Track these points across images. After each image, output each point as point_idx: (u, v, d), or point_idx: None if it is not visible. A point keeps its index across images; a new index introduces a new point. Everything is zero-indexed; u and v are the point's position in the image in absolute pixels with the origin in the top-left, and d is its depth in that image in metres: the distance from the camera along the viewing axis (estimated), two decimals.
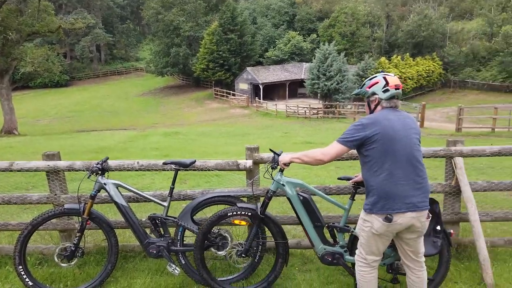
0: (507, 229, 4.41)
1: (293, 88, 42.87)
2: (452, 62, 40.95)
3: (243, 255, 3.16)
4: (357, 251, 2.83)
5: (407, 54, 40.61)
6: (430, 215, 2.68)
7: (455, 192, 3.70)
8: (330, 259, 3.11)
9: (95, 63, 66.59)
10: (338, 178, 3.35)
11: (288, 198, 3.09)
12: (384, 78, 2.68)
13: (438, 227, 2.96)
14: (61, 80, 57.83)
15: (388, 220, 2.51)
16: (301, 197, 3.07)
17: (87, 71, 65.27)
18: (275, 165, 3.03)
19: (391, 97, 2.66)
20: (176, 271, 3.19)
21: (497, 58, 37.27)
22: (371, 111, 2.75)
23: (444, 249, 3.06)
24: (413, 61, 39.66)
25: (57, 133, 24.83)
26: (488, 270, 3.23)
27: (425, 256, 2.82)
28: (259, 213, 3.09)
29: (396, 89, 2.65)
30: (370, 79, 2.76)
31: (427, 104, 22.83)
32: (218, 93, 43.62)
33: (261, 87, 39.76)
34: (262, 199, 3.62)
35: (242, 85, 42.66)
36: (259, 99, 38.29)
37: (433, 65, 39.97)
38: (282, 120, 29.12)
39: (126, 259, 3.75)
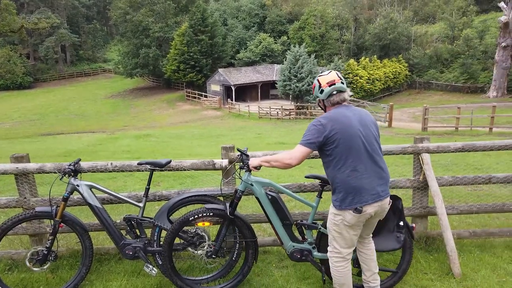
0: (472, 222, 4.64)
1: (265, 90, 43.12)
2: (417, 64, 42.47)
3: (213, 256, 3.17)
4: (329, 248, 2.92)
5: (375, 56, 41.78)
6: (391, 200, 2.86)
7: (423, 187, 3.87)
8: (298, 256, 3.18)
9: (60, 64, 64.35)
10: (306, 177, 3.38)
11: (257, 198, 3.12)
12: (317, 80, 2.85)
13: (401, 223, 3.11)
14: (24, 82, 55.55)
15: (358, 211, 2.65)
16: (270, 196, 3.11)
17: (52, 72, 63.00)
18: (244, 167, 3.05)
19: (330, 94, 2.77)
20: (153, 271, 3.17)
21: (459, 60, 39.00)
22: (325, 111, 2.88)
23: (407, 243, 3.19)
24: (381, 63, 40.83)
25: (21, 137, 23.84)
26: (455, 260, 3.40)
27: (389, 251, 3.11)
28: (228, 213, 3.09)
29: (330, 85, 2.76)
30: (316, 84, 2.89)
31: (394, 104, 23.55)
32: (190, 94, 43.22)
33: (233, 88, 39.75)
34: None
35: (214, 87, 42.48)
36: (232, 100, 38.25)
37: (399, 67, 41.30)
38: (255, 122, 29.23)
39: (100, 262, 3.68)
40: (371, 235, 3.03)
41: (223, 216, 3.10)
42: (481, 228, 4.28)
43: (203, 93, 41.88)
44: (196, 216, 3.05)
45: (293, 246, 3.17)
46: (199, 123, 30.37)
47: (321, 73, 2.90)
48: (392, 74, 40.19)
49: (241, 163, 3.07)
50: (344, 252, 2.83)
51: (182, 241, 3.32)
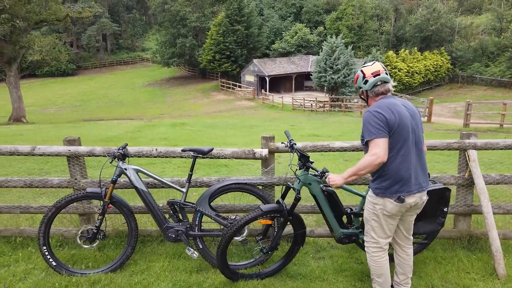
0: None
1: (300, 81, 42.75)
2: (460, 57, 40.63)
3: (269, 252, 3.30)
4: (366, 238, 2.92)
5: (415, 48, 40.32)
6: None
7: (468, 184, 3.75)
8: (347, 241, 3.31)
9: (101, 53, 66.62)
10: None
11: (313, 195, 3.18)
12: (361, 70, 2.81)
13: (445, 209, 3.25)
14: (67, 69, 58.05)
15: (401, 200, 2.66)
16: (326, 193, 3.16)
17: (93, 60, 65.37)
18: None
19: (375, 85, 2.74)
20: (194, 255, 3.28)
21: (506, 53, 36.92)
22: (367, 103, 2.87)
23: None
24: (421, 55, 39.38)
25: (64, 122, 24.99)
26: (501, 261, 3.29)
27: (431, 232, 3.27)
28: (287, 214, 3.15)
29: (375, 76, 2.73)
30: (356, 73, 2.89)
31: (434, 99, 22.70)
32: (224, 84, 43.59)
33: (267, 79, 39.68)
34: (277, 188, 3.70)
35: (249, 77, 42.59)
36: (265, 91, 38.23)
37: (441, 60, 39.67)
38: (288, 113, 29.11)
39: (143, 243, 3.85)
40: (411, 238, 3.00)
41: (282, 217, 3.19)
42: None
43: (237, 84, 42.11)
44: (252, 220, 3.12)
45: (343, 233, 3.28)
46: (233, 113, 30.62)
47: (364, 64, 2.88)
48: (433, 67, 38.69)
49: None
50: (382, 242, 2.83)
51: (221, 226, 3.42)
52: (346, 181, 2.74)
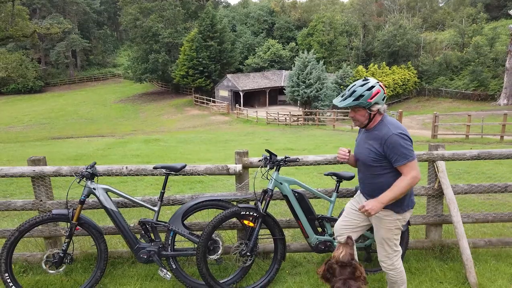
0: (486, 231, 4.58)
1: (273, 95, 43.22)
2: (426, 71, 42.28)
3: (248, 253, 3.24)
4: (390, 257, 2.85)
5: (384, 62, 41.69)
6: None
7: (438, 194, 3.84)
8: (323, 247, 3.40)
9: (71, 69, 65.21)
10: (325, 174, 3.68)
11: (285, 195, 3.32)
12: (381, 86, 2.69)
13: None
14: (35, 86, 56.36)
15: (414, 204, 2.90)
16: (296, 194, 3.35)
17: (63, 77, 63.88)
18: (274, 167, 3.27)
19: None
20: (167, 275, 3.17)
21: (469, 67, 38.74)
22: (370, 120, 2.73)
23: (407, 227, 3.58)
24: (389, 69, 40.72)
25: (32, 140, 24.11)
26: (472, 269, 3.35)
27: None
28: (261, 211, 3.22)
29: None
30: (368, 89, 2.63)
31: (403, 111, 23.43)
32: (198, 100, 43.46)
33: (241, 94, 39.88)
34: (251, 203, 3.67)
35: (223, 92, 42.68)
36: (240, 106, 38.37)
37: (408, 74, 41.14)
38: (263, 127, 29.26)
39: (114, 266, 3.70)
40: None
41: (258, 214, 3.22)
42: (497, 237, 4.22)
43: (211, 99, 42.09)
44: (244, 213, 3.21)
45: (317, 239, 3.38)
46: (207, 128, 30.48)
47: (366, 80, 2.69)
48: (401, 81, 40.05)
49: (271, 163, 3.26)
50: (400, 250, 2.93)
51: (194, 245, 3.33)
52: (384, 205, 2.64)
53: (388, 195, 2.61)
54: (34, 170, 3.48)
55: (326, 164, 3.68)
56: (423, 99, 41.08)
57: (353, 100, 2.65)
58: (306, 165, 3.67)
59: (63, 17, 59.13)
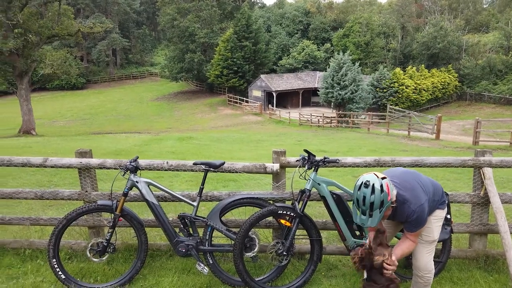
0: None
1: (307, 97, 42.92)
2: (468, 74, 40.59)
3: (284, 253, 3.24)
4: (431, 256, 2.88)
5: (422, 65, 40.40)
6: None
7: (483, 202, 3.68)
8: None
9: (110, 67, 67.65)
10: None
11: (323, 196, 3.30)
12: (376, 175, 2.52)
13: (448, 216, 3.19)
14: (77, 83, 58.92)
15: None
16: (334, 195, 3.30)
17: (103, 74, 66.35)
18: (312, 167, 3.29)
19: None
20: (205, 270, 3.23)
21: None
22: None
23: (450, 235, 3.40)
24: (428, 72, 39.41)
25: (73, 135, 25.20)
26: None
27: (439, 241, 3.12)
28: (299, 211, 3.22)
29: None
30: (381, 191, 2.44)
31: (442, 116, 22.59)
32: (232, 99, 43.87)
33: (274, 94, 39.88)
34: (287, 203, 3.66)
35: (256, 92, 42.86)
36: (272, 106, 38.39)
37: (449, 77, 39.65)
38: (295, 128, 29.12)
39: (152, 258, 3.80)
40: None
41: (295, 214, 3.22)
42: None
43: (244, 98, 42.37)
44: (282, 212, 3.22)
45: (355, 242, 3.31)
46: (240, 128, 30.70)
47: (365, 184, 2.49)
48: (441, 84, 38.66)
49: (310, 163, 3.27)
50: None
51: (232, 242, 3.37)
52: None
53: (398, 254, 2.69)
54: (81, 162, 3.63)
55: (365, 166, 3.62)
56: (463, 104, 39.47)
57: (380, 213, 2.47)
58: (344, 167, 3.62)
59: (105, 17, 61.38)
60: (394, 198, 2.57)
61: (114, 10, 68.15)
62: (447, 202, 2.97)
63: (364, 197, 2.45)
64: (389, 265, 2.55)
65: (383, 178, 2.50)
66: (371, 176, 2.50)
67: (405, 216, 2.62)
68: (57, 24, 26.95)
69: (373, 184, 2.45)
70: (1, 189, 3.74)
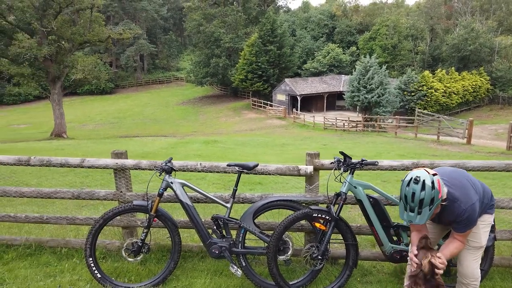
0: None
1: (331, 101, 42.50)
2: (501, 77, 39.16)
3: (319, 257, 3.19)
4: (477, 264, 2.77)
5: (452, 68, 39.27)
6: None
7: None
8: (398, 257, 3.25)
9: (138, 72, 69.26)
10: None
11: (359, 200, 3.22)
12: (427, 171, 2.44)
13: (493, 222, 3.06)
14: (106, 88, 60.62)
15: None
16: (371, 199, 3.23)
17: (131, 79, 68.00)
18: (348, 169, 3.20)
19: None
20: (238, 272, 3.20)
21: None
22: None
23: (493, 242, 3.28)
24: (459, 75, 38.26)
25: (102, 138, 25.91)
26: None
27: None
28: (334, 215, 3.16)
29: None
30: (432, 188, 2.36)
31: (474, 120, 21.85)
32: (256, 103, 43.99)
33: (298, 98, 39.71)
34: (320, 206, 3.60)
35: (280, 96, 42.80)
36: (297, 110, 38.22)
37: (480, 80, 38.36)
38: (320, 132, 28.85)
39: (184, 259, 3.81)
40: None
41: (331, 218, 3.17)
42: None
43: (268, 102, 42.39)
44: (317, 215, 3.18)
45: (392, 247, 3.23)
46: (264, 132, 30.70)
47: (416, 180, 2.42)
48: (472, 87, 37.43)
49: (346, 166, 3.21)
50: None
51: (265, 244, 3.33)
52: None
53: (446, 256, 2.60)
54: (116, 163, 3.69)
55: (403, 169, 3.51)
56: (496, 108, 38.07)
57: (429, 211, 2.38)
58: (381, 169, 3.53)
59: (133, 23, 62.99)
60: (445, 196, 2.47)
61: (142, 16, 69.81)
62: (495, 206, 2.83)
63: (414, 194, 2.37)
64: (440, 264, 2.46)
65: (434, 175, 2.40)
66: (421, 172, 2.41)
67: (455, 216, 2.51)
68: (89, 31, 27.88)
69: (424, 180, 2.37)
70: (40, 188, 3.84)
